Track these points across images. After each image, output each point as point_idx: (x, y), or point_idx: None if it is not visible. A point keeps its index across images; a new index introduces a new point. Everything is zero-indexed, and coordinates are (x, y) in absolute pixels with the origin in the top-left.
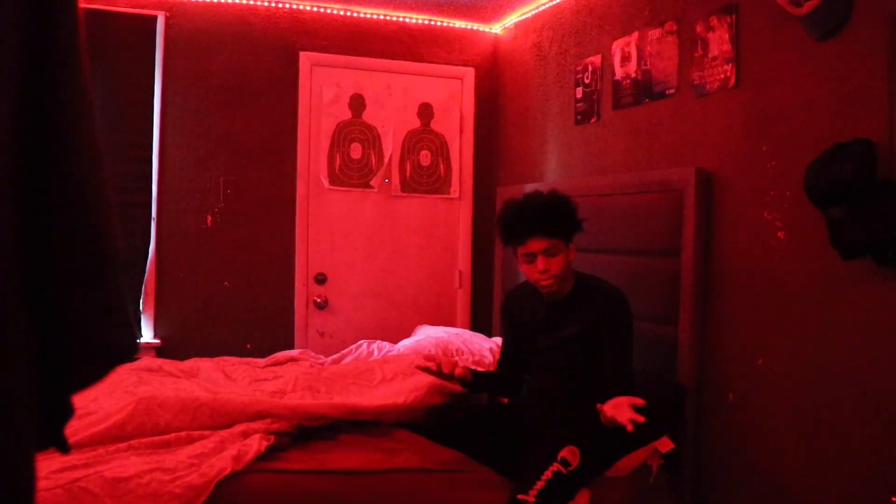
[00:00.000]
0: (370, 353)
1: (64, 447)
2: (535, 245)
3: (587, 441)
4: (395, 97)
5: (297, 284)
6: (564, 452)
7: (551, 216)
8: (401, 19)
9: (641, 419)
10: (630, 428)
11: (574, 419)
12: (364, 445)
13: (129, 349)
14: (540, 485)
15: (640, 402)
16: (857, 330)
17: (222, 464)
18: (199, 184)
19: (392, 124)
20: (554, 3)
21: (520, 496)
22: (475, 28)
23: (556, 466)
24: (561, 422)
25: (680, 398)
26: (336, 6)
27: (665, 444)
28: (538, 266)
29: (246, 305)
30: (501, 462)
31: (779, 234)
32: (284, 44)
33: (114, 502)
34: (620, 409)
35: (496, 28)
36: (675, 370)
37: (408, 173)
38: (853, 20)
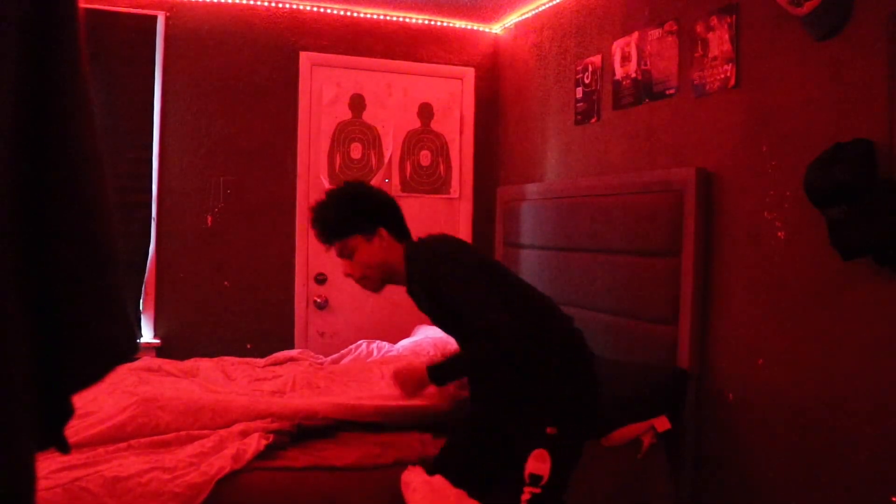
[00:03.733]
0: (370, 353)
1: (64, 447)
2: (335, 248)
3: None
4: (395, 97)
5: (297, 284)
6: (530, 467)
7: (320, 224)
8: (401, 19)
9: (404, 400)
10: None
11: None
12: (361, 441)
13: (129, 349)
14: None
15: (420, 377)
16: (857, 330)
17: (222, 462)
18: (199, 184)
19: (392, 124)
20: (554, 3)
21: None
22: (475, 28)
23: (527, 493)
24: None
25: (681, 382)
26: (336, 6)
27: (662, 424)
28: (345, 269)
29: (246, 305)
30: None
31: (779, 234)
32: (284, 44)
33: (114, 502)
34: (406, 385)
35: (496, 28)
36: None
37: (408, 173)
38: (853, 20)
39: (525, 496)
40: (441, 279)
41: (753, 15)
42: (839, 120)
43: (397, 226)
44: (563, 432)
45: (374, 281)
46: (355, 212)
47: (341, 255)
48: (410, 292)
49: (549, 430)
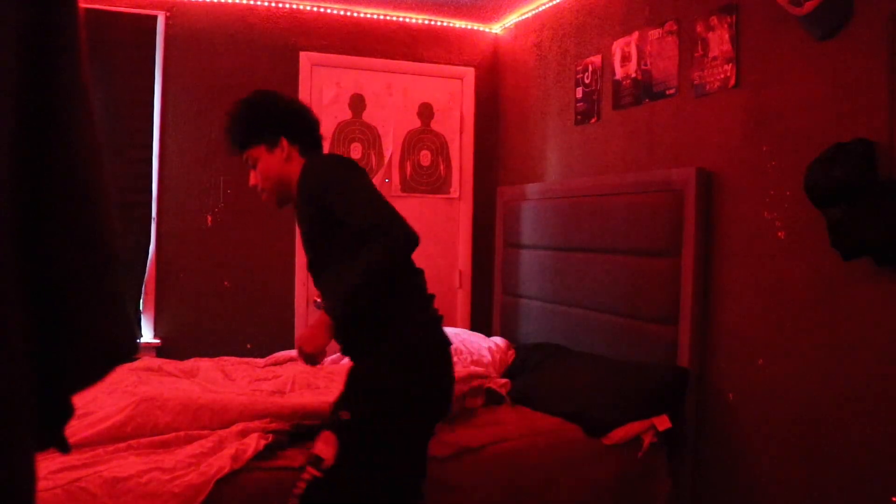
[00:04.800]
0: None
1: (64, 447)
2: (243, 159)
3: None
4: (395, 97)
5: (297, 284)
6: (316, 448)
7: (233, 129)
8: (401, 19)
9: (315, 364)
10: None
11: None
12: None
13: (129, 349)
14: (298, 488)
15: (317, 340)
16: (857, 330)
17: (221, 463)
18: (199, 184)
19: (392, 124)
20: (554, 3)
21: None
22: (475, 28)
23: (308, 473)
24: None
25: (681, 382)
26: (336, 6)
27: (663, 423)
28: (251, 180)
29: (246, 305)
30: None
31: (779, 234)
32: (284, 44)
33: (113, 502)
34: (307, 342)
35: (496, 28)
36: None
37: (408, 173)
38: (853, 20)
39: (305, 475)
40: (331, 183)
41: (753, 15)
42: (839, 120)
43: (305, 138)
44: (363, 421)
45: (270, 193)
46: (257, 121)
47: (249, 165)
48: (296, 206)
49: (342, 414)
